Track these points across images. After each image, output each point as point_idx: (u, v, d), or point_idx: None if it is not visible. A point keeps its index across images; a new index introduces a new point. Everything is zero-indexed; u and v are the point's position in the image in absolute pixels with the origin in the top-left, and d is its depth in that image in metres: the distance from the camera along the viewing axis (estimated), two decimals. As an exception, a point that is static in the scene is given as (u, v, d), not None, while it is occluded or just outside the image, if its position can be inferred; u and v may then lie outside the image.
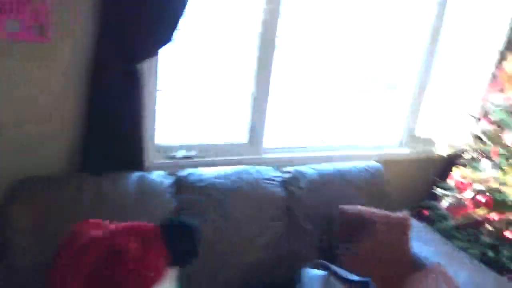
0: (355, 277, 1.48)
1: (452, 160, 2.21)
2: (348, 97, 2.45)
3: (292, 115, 2.40)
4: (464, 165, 2.11)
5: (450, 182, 2.08)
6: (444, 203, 2.02)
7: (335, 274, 1.47)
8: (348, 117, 2.45)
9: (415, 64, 2.37)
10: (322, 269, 1.49)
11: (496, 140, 1.92)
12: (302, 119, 2.37)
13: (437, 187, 2.14)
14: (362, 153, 2.31)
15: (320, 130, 2.34)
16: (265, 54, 1.90)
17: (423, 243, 1.92)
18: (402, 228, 1.80)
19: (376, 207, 1.88)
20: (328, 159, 2.12)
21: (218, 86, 2.09)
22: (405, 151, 2.48)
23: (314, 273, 1.44)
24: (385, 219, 1.74)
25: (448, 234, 2.03)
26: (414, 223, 2.09)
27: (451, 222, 2.02)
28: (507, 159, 1.89)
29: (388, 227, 1.73)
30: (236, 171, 1.72)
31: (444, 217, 2.09)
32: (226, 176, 1.69)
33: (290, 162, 2.00)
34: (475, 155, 2.09)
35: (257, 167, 1.80)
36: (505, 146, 1.89)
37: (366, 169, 2.03)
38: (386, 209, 1.94)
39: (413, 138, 2.50)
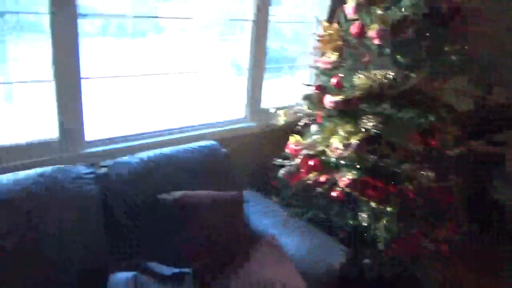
0: (172, 270, 1.36)
1: (293, 129, 2.23)
2: (185, 77, 2.31)
3: (121, 102, 2.18)
4: (300, 132, 2.14)
5: (287, 151, 2.08)
6: (281, 172, 2.02)
7: (148, 272, 1.34)
8: (187, 98, 2.32)
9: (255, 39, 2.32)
10: (135, 270, 1.34)
11: (319, 104, 1.96)
12: (133, 105, 2.18)
13: (278, 157, 2.13)
14: (204, 133, 2.22)
15: (154, 114, 2.17)
16: (61, 30, 1.62)
17: (262, 216, 1.90)
18: (234, 205, 1.74)
19: (215, 187, 1.79)
20: (165, 144, 1.96)
21: (14, 76, 1.77)
22: (251, 125, 2.45)
23: (120, 276, 1.28)
24: (213, 200, 1.65)
25: (288, 202, 2.05)
26: (255, 196, 2.08)
27: (290, 190, 2.04)
28: (328, 121, 1.94)
29: (217, 207, 1.65)
30: (30, 175, 1.45)
31: (285, 186, 2.10)
32: (16, 183, 1.42)
33: (120, 153, 1.80)
34: (307, 121, 2.12)
35: (63, 166, 1.56)
36: (326, 109, 1.93)
37: (199, 150, 1.93)
38: (229, 188, 1.87)
39: (258, 111, 2.48)
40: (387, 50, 1.82)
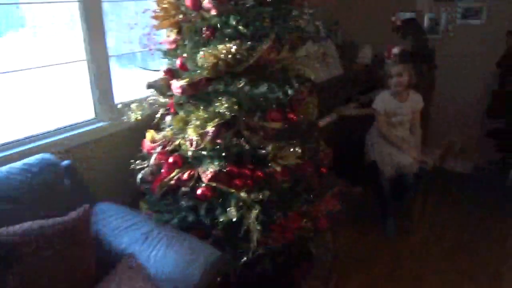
0: None
1: (150, 124, 1.94)
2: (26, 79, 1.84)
3: None
4: (157, 127, 1.86)
5: (144, 150, 1.80)
6: (138, 177, 1.74)
7: None
8: (27, 103, 1.86)
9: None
10: None
11: (168, 91, 1.70)
12: None
13: (136, 159, 1.83)
14: (43, 144, 1.81)
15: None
16: None
17: (122, 232, 1.61)
18: (77, 229, 1.41)
19: (54, 211, 1.44)
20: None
21: None
22: (104, 126, 2.09)
23: None
24: (42, 232, 1.30)
25: (155, 209, 1.78)
26: (116, 209, 1.76)
27: (156, 195, 1.76)
28: (181, 109, 1.69)
29: (50, 239, 1.31)
30: None
31: (151, 191, 1.82)
32: None
33: None
34: (163, 112, 1.85)
35: None
36: (177, 96, 1.68)
37: (25, 170, 1.54)
38: (76, 207, 1.52)
39: (111, 108, 2.12)
40: (232, 21, 1.62)
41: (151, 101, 1.88)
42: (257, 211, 1.55)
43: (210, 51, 1.52)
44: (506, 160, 3.17)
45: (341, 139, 2.84)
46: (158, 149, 1.69)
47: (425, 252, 2.58)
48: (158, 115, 1.87)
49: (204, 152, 1.65)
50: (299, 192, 1.78)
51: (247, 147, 1.64)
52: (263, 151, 1.66)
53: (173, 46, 1.73)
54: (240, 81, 1.59)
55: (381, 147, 2.53)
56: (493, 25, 3.27)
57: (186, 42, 1.65)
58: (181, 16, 1.66)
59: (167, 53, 1.76)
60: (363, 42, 3.68)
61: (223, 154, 1.65)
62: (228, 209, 1.56)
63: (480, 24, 3.32)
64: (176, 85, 1.62)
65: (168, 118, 1.78)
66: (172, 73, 1.76)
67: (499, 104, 3.20)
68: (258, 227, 1.55)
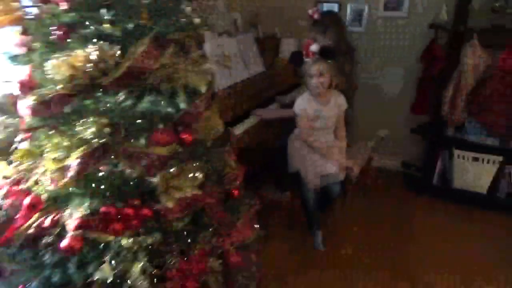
0: None
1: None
2: None
3: None
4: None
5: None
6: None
7: None
8: None
9: None
10: None
11: (11, 112, 1.29)
12: None
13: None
14: None
15: None
16: None
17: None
18: None
19: None
20: None
21: None
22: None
23: None
24: None
25: (14, 267, 1.36)
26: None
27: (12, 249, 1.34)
28: (35, 136, 1.29)
29: None
30: None
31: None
32: None
33: None
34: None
35: None
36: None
37: None
38: None
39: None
40: (105, 16, 1.23)
41: (6, 122, 1.45)
42: (141, 263, 1.21)
43: (64, 58, 1.14)
44: (431, 156, 3.12)
45: (264, 144, 2.58)
46: (6, 187, 1.27)
47: (354, 263, 2.42)
48: (17, 141, 1.44)
49: (74, 189, 1.27)
50: (204, 225, 1.47)
51: (129, 177, 1.29)
52: (152, 179, 1.31)
53: (24, 50, 1.30)
54: (117, 96, 1.23)
55: (304, 155, 2.29)
56: (415, 17, 3.18)
57: (36, 45, 1.24)
58: (35, 10, 1.24)
59: (16, 60, 1.33)
60: (287, 36, 3.44)
61: (101, 187, 1.28)
62: (102, 266, 1.20)
63: (401, 16, 3.22)
64: (24, 105, 1.21)
65: (24, 146, 1.36)
66: (29, 86, 1.34)
67: (422, 99, 3.13)
68: (145, 284, 1.21)
